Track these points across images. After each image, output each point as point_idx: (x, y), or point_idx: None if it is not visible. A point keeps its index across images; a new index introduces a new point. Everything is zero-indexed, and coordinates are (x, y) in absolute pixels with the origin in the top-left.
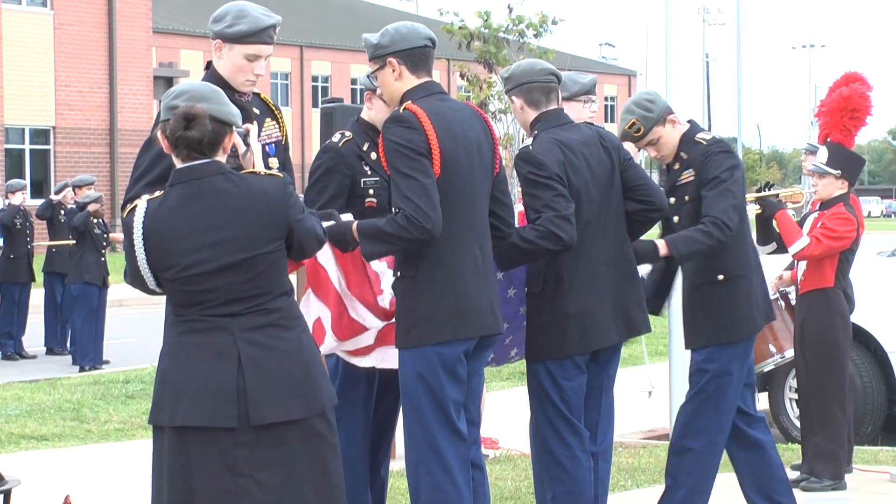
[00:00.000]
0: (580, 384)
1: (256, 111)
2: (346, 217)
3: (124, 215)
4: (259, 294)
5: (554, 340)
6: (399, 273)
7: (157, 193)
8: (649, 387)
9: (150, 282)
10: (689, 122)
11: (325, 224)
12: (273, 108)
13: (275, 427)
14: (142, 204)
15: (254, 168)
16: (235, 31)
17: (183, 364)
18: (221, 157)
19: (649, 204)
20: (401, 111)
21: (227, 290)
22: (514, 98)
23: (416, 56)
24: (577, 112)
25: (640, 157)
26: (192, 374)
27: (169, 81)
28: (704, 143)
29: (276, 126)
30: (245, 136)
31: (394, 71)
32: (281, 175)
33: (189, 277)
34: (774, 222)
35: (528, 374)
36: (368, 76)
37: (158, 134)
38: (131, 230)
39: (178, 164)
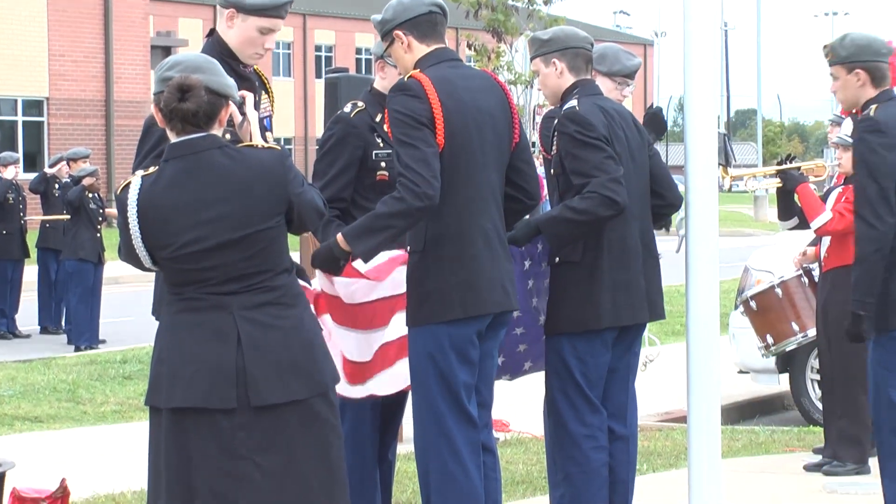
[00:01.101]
0: (605, 361)
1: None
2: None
3: (118, 192)
4: (259, 272)
5: (587, 312)
6: (409, 248)
7: (151, 169)
8: (644, 360)
9: (146, 260)
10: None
11: (313, 252)
12: (265, 80)
13: (275, 408)
14: (136, 180)
15: (251, 139)
16: (254, 3)
17: (180, 343)
18: (217, 131)
19: (663, 198)
20: (405, 79)
21: (225, 269)
22: (555, 61)
23: (422, 24)
24: (607, 90)
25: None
26: (189, 354)
27: (167, 51)
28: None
29: (268, 100)
30: (241, 105)
31: (402, 43)
32: (279, 148)
33: (186, 255)
34: (796, 196)
35: (549, 348)
36: (384, 58)
37: (153, 108)
38: (125, 207)
39: (173, 138)
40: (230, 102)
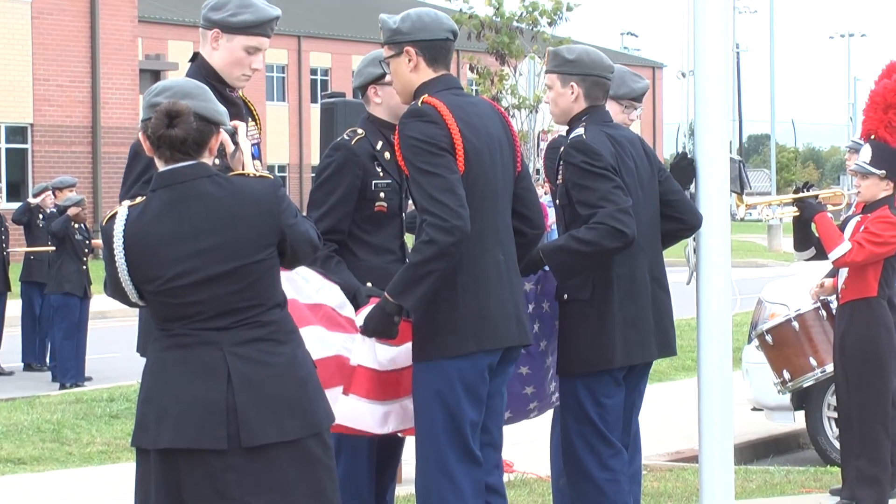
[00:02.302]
0: (619, 401)
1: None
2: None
3: (103, 223)
4: (250, 306)
5: (599, 352)
6: None
7: (138, 199)
8: None
9: (133, 295)
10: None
11: (363, 314)
12: (251, 107)
13: (267, 448)
14: (122, 211)
15: (243, 169)
16: (240, 21)
17: (168, 381)
18: (207, 160)
19: (682, 222)
20: (419, 105)
21: (215, 303)
22: (573, 84)
23: (436, 48)
24: (613, 114)
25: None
26: (177, 393)
27: (156, 75)
28: None
29: (256, 127)
30: (233, 135)
31: (410, 61)
32: (271, 177)
33: (174, 289)
34: (813, 226)
35: (563, 390)
36: (381, 62)
37: (140, 135)
38: (111, 239)
39: (161, 167)
40: (221, 130)
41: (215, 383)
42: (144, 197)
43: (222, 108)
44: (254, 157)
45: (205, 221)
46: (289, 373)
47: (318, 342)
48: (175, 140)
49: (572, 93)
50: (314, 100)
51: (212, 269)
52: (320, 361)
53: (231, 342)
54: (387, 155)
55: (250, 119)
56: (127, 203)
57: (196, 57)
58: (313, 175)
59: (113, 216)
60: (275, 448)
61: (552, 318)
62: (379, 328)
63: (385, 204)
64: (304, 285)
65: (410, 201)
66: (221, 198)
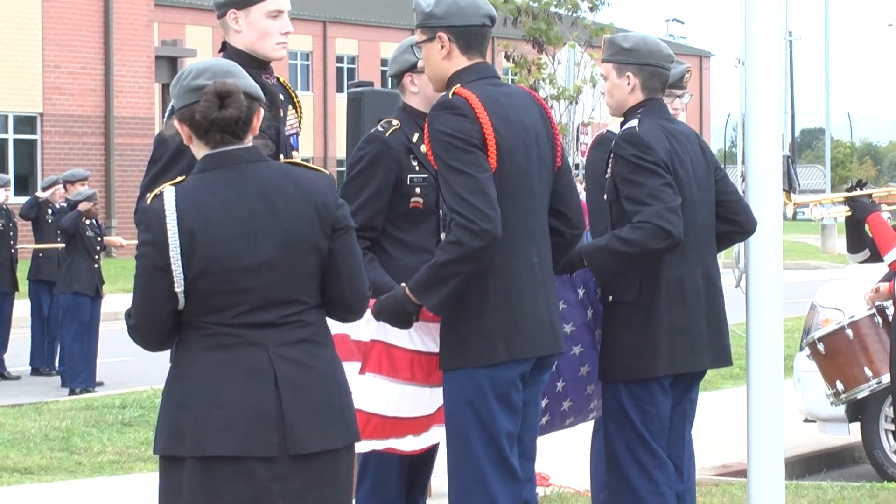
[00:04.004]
0: (666, 409)
1: (280, 97)
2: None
3: (148, 202)
4: (297, 300)
5: (642, 359)
6: None
7: (179, 179)
8: None
9: (179, 281)
10: None
11: (376, 305)
12: (293, 94)
13: (312, 457)
14: (168, 189)
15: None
16: None
17: (210, 386)
18: (250, 140)
19: (737, 224)
20: (450, 96)
21: (262, 292)
22: (630, 74)
23: (471, 35)
24: None
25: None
26: (222, 397)
27: (173, 62)
28: None
29: (296, 116)
30: None
31: (443, 48)
32: (326, 171)
33: (223, 272)
34: (867, 226)
35: (606, 395)
36: (412, 46)
37: (176, 123)
38: (161, 213)
39: (204, 152)
40: (261, 108)
41: (263, 387)
42: (187, 178)
43: (257, 85)
44: (293, 149)
45: (261, 203)
46: (332, 378)
47: None
48: (229, 121)
49: (628, 83)
50: (340, 89)
51: (264, 253)
52: None
53: (275, 343)
54: (423, 147)
55: (290, 107)
56: (168, 184)
57: (225, 46)
58: (339, 169)
59: (158, 194)
60: (319, 457)
61: (592, 326)
62: (393, 320)
63: (421, 200)
64: None
65: None
66: (279, 182)
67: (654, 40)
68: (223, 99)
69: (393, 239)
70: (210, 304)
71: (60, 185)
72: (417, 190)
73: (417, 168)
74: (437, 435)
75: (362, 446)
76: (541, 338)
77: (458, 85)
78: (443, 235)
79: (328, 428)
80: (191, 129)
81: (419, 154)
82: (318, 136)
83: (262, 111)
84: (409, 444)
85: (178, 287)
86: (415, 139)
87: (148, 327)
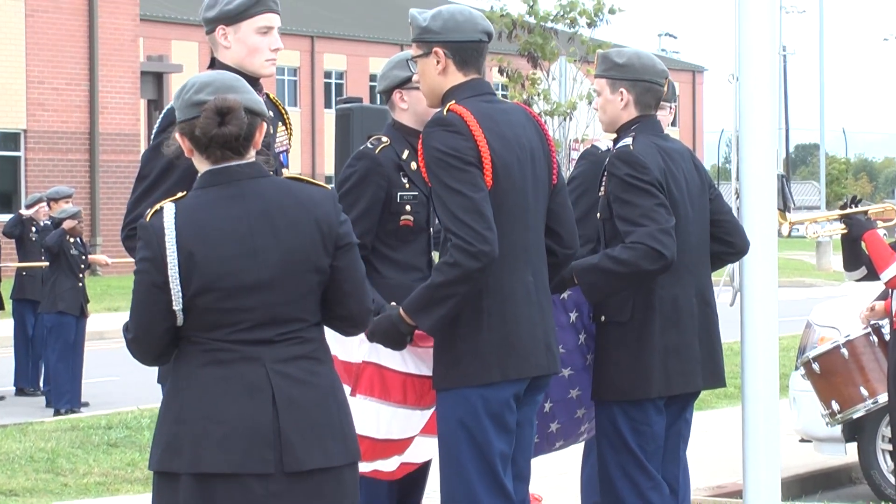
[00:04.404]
0: (661, 429)
1: (270, 113)
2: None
3: (147, 219)
4: (295, 319)
5: (635, 379)
6: None
7: (179, 195)
8: None
9: (177, 298)
10: None
11: (370, 326)
12: (283, 111)
13: (310, 475)
14: (168, 205)
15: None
16: (238, 5)
17: (207, 401)
18: (253, 155)
19: (730, 245)
20: (444, 113)
21: (262, 311)
22: (623, 90)
23: (468, 51)
24: None
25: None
26: (220, 413)
27: (158, 78)
28: None
29: (286, 132)
30: None
31: (438, 63)
32: (328, 187)
33: (222, 291)
34: (863, 244)
35: (599, 416)
36: (408, 61)
37: (177, 136)
38: (161, 231)
39: (205, 167)
40: (264, 123)
41: (260, 404)
42: (186, 194)
43: (261, 99)
44: (283, 166)
45: (262, 221)
46: (331, 394)
47: None
48: (229, 137)
49: (622, 99)
50: (328, 105)
51: (264, 272)
52: None
53: (273, 358)
54: (413, 165)
55: (280, 124)
56: (169, 200)
57: (213, 62)
58: (334, 187)
59: (158, 210)
60: (317, 474)
61: (584, 350)
62: (386, 341)
63: (411, 217)
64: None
65: None
66: (280, 199)
67: (649, 55)
68: (223, 115)
69: (382, 257)
70: (208, 320)
71: (44, 203)
72: (407, 207)
73: (407, 185)
74: (423, 451)
75: None
76: (536, 358)
77: (453, 101)
78: (434, 255)
79: (327, 445)
80: (191, 143)
81: (409, 171)
82: (307, 152)
83: (264, 126)
84: (393, 463)
85: (177, 305)
86: (404, 156)
87: (146, 342)
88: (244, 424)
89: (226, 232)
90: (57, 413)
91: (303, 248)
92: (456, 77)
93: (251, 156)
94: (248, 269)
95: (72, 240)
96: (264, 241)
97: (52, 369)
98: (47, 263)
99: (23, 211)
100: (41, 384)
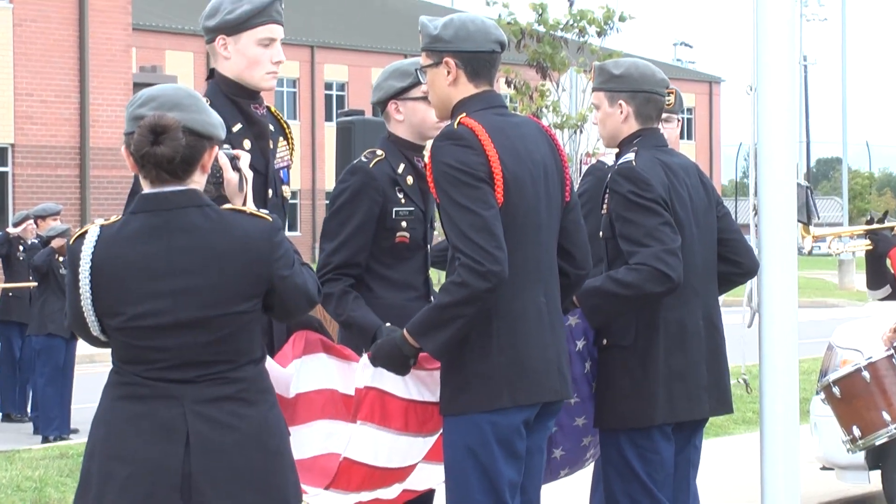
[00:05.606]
0: (670, 456)
1: (271, 128)
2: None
3: (70, 242)
4: (220, 360)
5: (639, 406)
6: None
7: (113, 218)
8: None
9: (94, 327)
10: None
11: (373, 349)
12: (284, 125)
13: None
14: (93, 230)
15: (239, 201)
16: (239, 15)
17: (117, 438)
18: (200, 178)
19: (738, 265)
20: (455, 126)
21: (181, 352)
22: (622, 103)
23: (480, 61)
24: None
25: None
26: (127, 452)
27: None
28: None
29: (287, 147)
30: (234, 159)
31: (448, 73)
32: (270, 218)
33: (138, 329)
34: (888, 261)
35: (605, 445)
36: (417, 70)
37: (123, 150)
38: (77, 260)
39: (146, 188)
40: (216, 146)
41: (172, 446)
42: (120, 217)
43: (217, 120)
44: (283, 182)
45: (185, 258)
46: (257, 440)
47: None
48: (161, 159)
49: (621, 112)
50: (329, 118)
51: (183, 313)
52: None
53: (194, 398)
54: (409, 179)
55: (281, 139)
56: (100, 221)
57: (212, 73)
58: (328, 202)
59: (82, 234)
60: None
61: (590, 378)
62: (390, 365)
63: (407, 234)
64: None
65: (436, 232)
66: (209, 234)
67: (647, 65)
68: (157, 135)
69: (377, 275)
70: (124, 354)
71: (32, 221)
72: (403, 224)
73: (403, 201)
74: (425, 478)
75: (348, 499)
76: (548, 382)
77: (464, 114)
78: (441, 275)
79: (244, 495)
80: (130, 159)
81: (405, 186)
82: (306, 167)
83: (214, 150)
84: (394, 491)
85: (94, 331)
86: (400, 170)
87: (81, 334)
88: (151, 466)
89: (143, 270)
90: (45, 440)
91: (230, 287)
92: (467, 89)
93: (195, 180)
94: (164, 310)
95: (61, 259)
96: (185, 281)
97: (40, 394)
98: (35, 284)
99: (10, 229)
100: (29, 410)
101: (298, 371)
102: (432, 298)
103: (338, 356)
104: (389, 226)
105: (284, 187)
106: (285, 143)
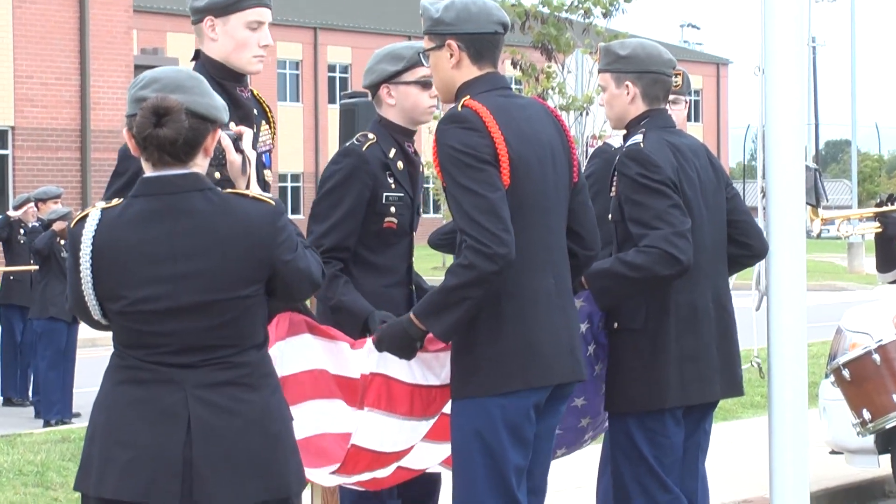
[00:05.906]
0: (679, 440)
1: (254, 111)
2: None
3: (72, 225)
4: (223, 345)
5: (650, 389)
6: None
7: (115, 201)
8: None
9: (95, 311)
10: None
11: (378, 333)
12: (267, 108)
13: None
14: (94, 213)
15: (246, 185)
16: None
17: (118, 422)
18: (202, 161)
19: (747, 248)
20: (459, 108)
21: (183, 337)
22: (629, 84)
23: (483, 43)
24: None
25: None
26: (127, 436)
27: None
28: None
29: (269, 131)
30: (236, 141)
31: (451, 56)
32: (273, 202)
33: (139, 314)
34: None
35: (614, 428)
36: (420, 54)
37: (125, 132)
38: (78, 244)
39: (148, 171)
40: (222, 132)
41: (173, 431)
42: (122, 200)
43: (220, 103)
44: (265, 167)
45: (187, 242)
46: (258, 425)
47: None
48: (164, 141)
49: (628, 93)
50: (332, 100)
51: (185, 298)
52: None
53: (195, 383)
54: (399, 164)
55: (264, 122)
56: (101, 205)
57: (198, 54)
58: (318, 184)
59: (83, 217)
60: None
61: (592, 361)
62: (396, 349)
63: (395, 220)
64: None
65: (443, 217)
66: (211, 218)
67: (653, 45)
68: (160, 116)
69: (361, 260)
70: (128, 338)
71: (32, 204)
72: (392, 209)
73: (393, 186)
74: (422, 457)
75: (349, 480)
76: (559, 364)
77: (468, 96)
78: (447, 258)
79: (245, 481)
80: (132, 141)
81: (395, 171)
82: (309, 150)
83: (217, 133)
84: (390, 469)
85: (96, 315)
86: (391, 154)
87: (82, 317)
88: (152, 451)
89: (144, 254)
90: (47, 424)
91: (233, 271)
92: (470, 71)
93: (197, 164)
94: (166, 294)
95: (62, 242)
96: (186, 266)
97: (41, 378)
98: (37, 267)
99: (10, 212)
100: (30, 394)
101: (283, 353)
102: (412, 287)
103: (323, 336)
104: (378, 210)
105: (266, 171)
106: (268, 126)
